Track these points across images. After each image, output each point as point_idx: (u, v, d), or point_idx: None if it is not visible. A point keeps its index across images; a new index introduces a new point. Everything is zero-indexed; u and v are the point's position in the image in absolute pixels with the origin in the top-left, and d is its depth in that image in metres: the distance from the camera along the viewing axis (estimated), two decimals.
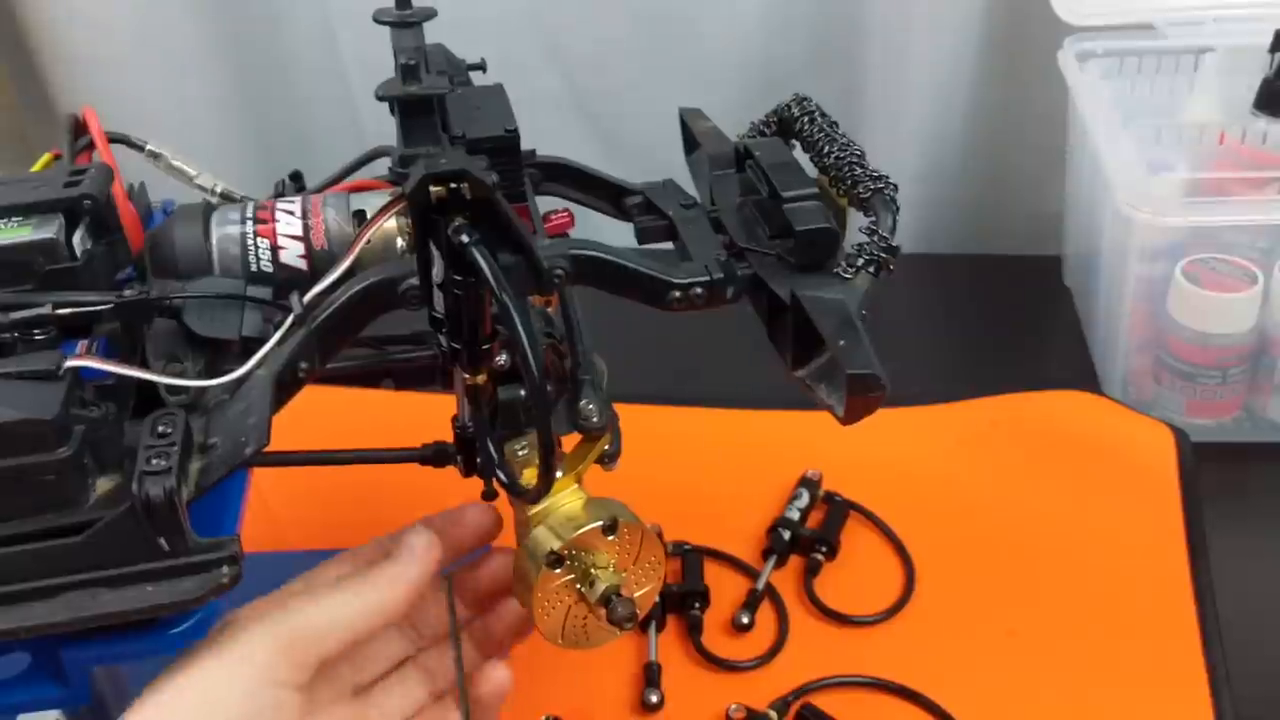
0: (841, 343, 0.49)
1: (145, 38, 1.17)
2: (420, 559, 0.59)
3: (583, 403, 0.57)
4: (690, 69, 1.18)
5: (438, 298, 0.52)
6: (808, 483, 0.87)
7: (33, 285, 0.54)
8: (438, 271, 0.51)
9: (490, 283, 0.48)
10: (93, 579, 0.48)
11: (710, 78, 1.18)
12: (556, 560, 0.57)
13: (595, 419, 0.57)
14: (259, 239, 0.58)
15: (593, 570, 0.57)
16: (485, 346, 0.53)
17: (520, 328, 0.48)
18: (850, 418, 0.49)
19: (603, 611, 0.57)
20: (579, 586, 0.57)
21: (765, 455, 0.91)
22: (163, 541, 0.48)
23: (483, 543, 0.63)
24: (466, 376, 0.55)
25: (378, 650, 0.62)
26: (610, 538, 0.57)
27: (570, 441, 0.59)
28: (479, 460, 0.60)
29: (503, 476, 0.56)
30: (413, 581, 0.58)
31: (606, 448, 0.59)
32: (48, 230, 0.54)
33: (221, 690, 0.51)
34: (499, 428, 0.57)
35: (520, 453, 0.58)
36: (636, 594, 0.58)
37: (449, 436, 0.62)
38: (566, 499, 0.58)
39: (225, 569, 0.48)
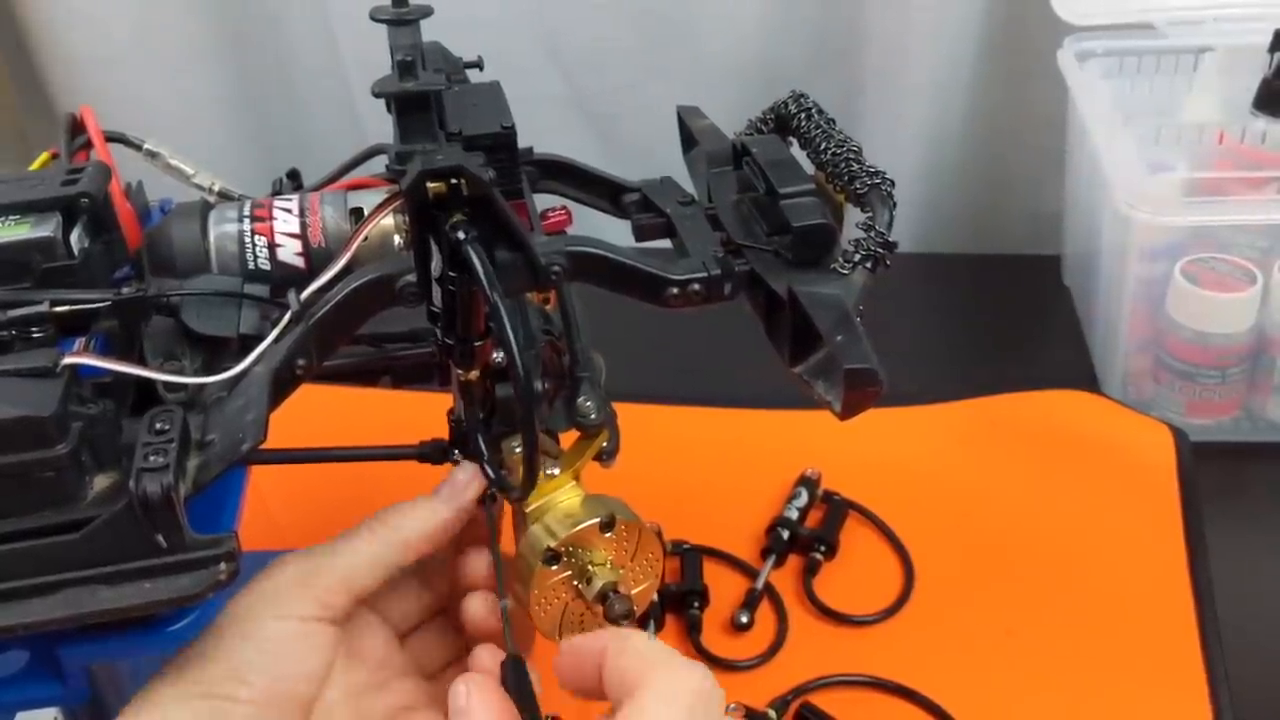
0: (839, 338, 0.49)
1: (144, 37, 1.17)
2: (453, 496, 0.59)
3: (580, 399, 0.57)
4: (689, 68, 1.18)
5: (436, 292, 0.52)
6: (807, 482, 0.87)
7: (30, 283, 0.54)
8: (436, 266, 0.51)
9: (481, 281, 0.48)
10: (90, 576, 0.48)
11: (709, 77, 1.18)
12: (553, 557, 0.56)
13: (593, 415, 0.57)
14: (256, 237, 0.58)
15: (590, 567, 0.57)
16: (478, 343, 0.53)
17: (507, 328, 0.48)
18: (847, 413, 0.49)
19: (600, 609, 0.57)
20: (576, 583, 0.57)
21: (764, 454, 0.91)
22: (160, 538, 0.47)
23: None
24: (460, 372, 0.55)
25: (415, 600, 0.62)
26: (608, 535, 0.57)
27: (569, 438, 0.59)
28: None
29: (490, 472, 0.56)
30: (443, 518, 0.58)
31: (604, 445, 0.59)
32: (45, 228, 0.55)
33: (254, 626, 0.53)
34: (496, 424, 0.57)
35: (516, 450, 0.58)
36: (634, 591, 0.58)
37: (446, 433, 0.62)
38: (564, 496, 0.58)
39: (223, 565, 0.48)
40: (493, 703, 0.52)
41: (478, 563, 0.60)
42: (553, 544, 0.56)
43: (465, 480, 0.59)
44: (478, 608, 0.58)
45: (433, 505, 0.58)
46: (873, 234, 0.53)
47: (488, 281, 0.48)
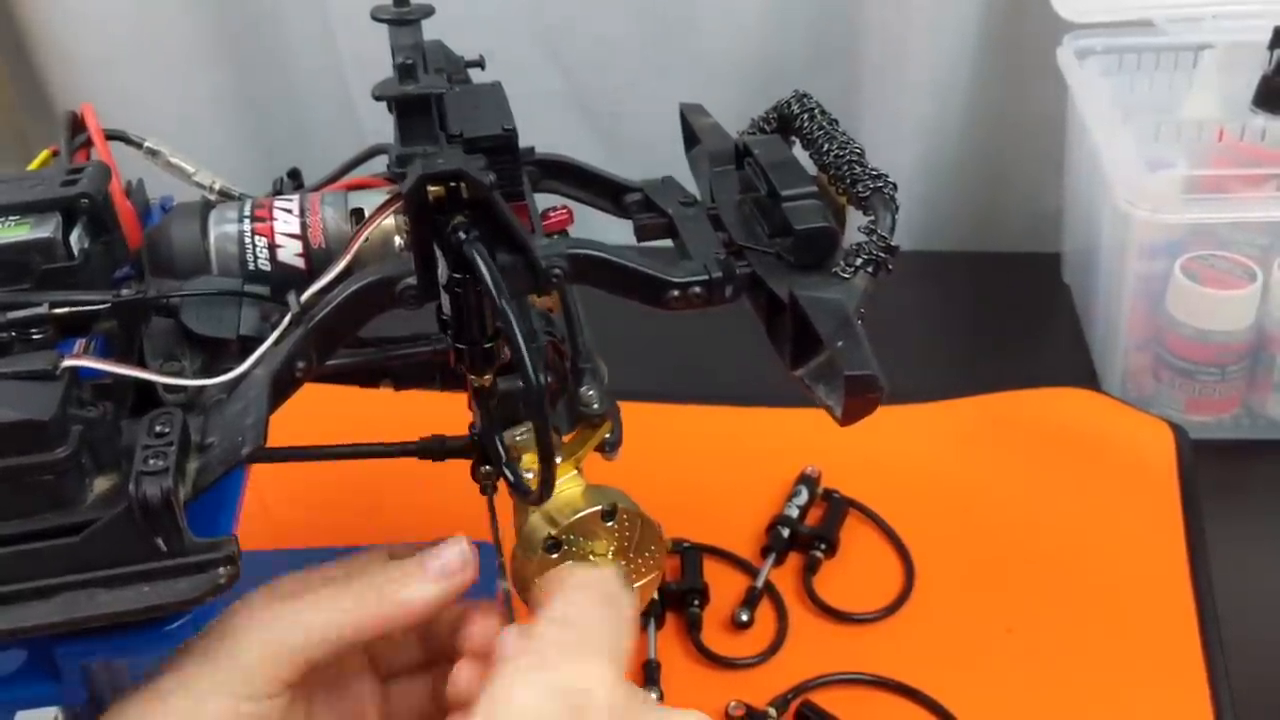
0: (839, 343, 0.48)
1: (143, 36, 1.17)
2: (444, 577, 0.56)
3: (583, 389, 0.57)
4: (690, 66, 1.18)
5: (445, 300, 0.52)
6: (807, 480, 0.87)
7: (30, 284, 0.54)
8: (443, 273, 0.51)
9: (485, 280, 0.48)
10: (90, 579, 0.48)
11: (710, 74, 1.18)
12: (554, 545, 0.56)
13: (596, 405, 0.57)
14: (257, 237, 0.58)
15: (591, 557, 0.57)
16: (489, 344, 0.53)
17: (514, 323, 0.48)
18: (848, 419, 0.49)
19: None
20: None
21: (764, 452, 0.91)
22: (160, 541, 0.47)
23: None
24: (473, 379, 0.55)
25: (397, 648, 0.61)
26: (609, 524, 0.57)
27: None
28: (487, 466, 0.60)
29: (509, 476, 0.56)
30: (431, 601, 0.56)
31: (607, 436, 0.59)
32: (45, 229, 0.54)
33: (204, 704, 0.51)
34: (499, 420, 0.57)
35: (519, 438, 0.58)
36: (636, 585, 0.58)
37: (446, 432, 0.62)
38: (566, 485, 0.57)
39: (222, 569, 0.48)
40: None
41: (481, 628, 0.57)
42: (554, 532, 0.56)
43: (459, 564, 0.56)
44: (466, 678, 0.55)
45: (424, 586, 0.55)
46: (875, 238, 0.53)
47: (492, 279, 0.48)
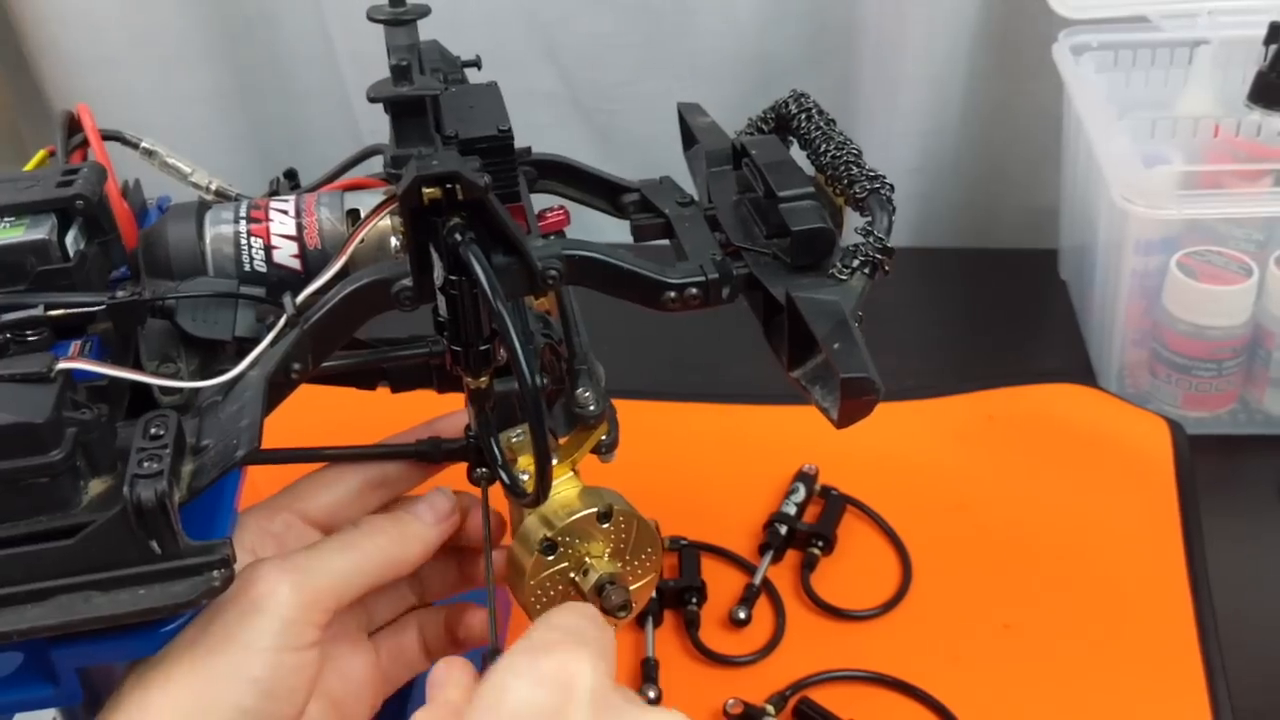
0: (836, 346, 0.48)
1: (139, 36, 1.17)
2: (442, 521, 0.60)
3: (579, 391, 0.57)
4: (686, 63, 1.18)
5: (441, 301, 0.52)
6: (804, 477, 0.87)
7: (25, 286, 0.54)
8: (438, 273, 0.51)
9: (481, 282, 0.48)
10: (85, 582, 0.47)
11: (706, 72, 1.18)
12: (550, 547, 0.56)
13: (592, 407, 0.57)
14: (252, 238, 0.58)
15: (587, 559, 0.57)
16: (485, 346, 0.53)
17: (511, 329, 0.48)
18: (844, 421, 0.49)
19: (597, 601, 0.57)
20: (572, 575, 0.57)
21: (762, 450, 0.91)
22: (154, 544, 0.47)
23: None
24: (469, 380, 0.55)
25: (384, 600, 0.62)
26: (605, 525, 0.57)
27: None
28: (483, 469, 0.60)
29: (505, 478, 0.56)
30: (431, 541, 0.59)
31: (604, 438, 0.59)
32: (40, 231, 0.54)
33: (248, 655, 0.51)
34: (495, 422, 0.57)
35: (515, 439, 0.58)
36: (633, 588, 0.58)
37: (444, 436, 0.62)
38: (562, 487, 0.57)
39: (217, 572, 0.48)
40: (467, 679, 0.53)
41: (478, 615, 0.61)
42: (549, 533, 0.56)
43: (449, 506, 0.60)
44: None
45: (424, 528, 0.59)
46: (872, 239, 0.53)
47: (486, 280, 0.48)
